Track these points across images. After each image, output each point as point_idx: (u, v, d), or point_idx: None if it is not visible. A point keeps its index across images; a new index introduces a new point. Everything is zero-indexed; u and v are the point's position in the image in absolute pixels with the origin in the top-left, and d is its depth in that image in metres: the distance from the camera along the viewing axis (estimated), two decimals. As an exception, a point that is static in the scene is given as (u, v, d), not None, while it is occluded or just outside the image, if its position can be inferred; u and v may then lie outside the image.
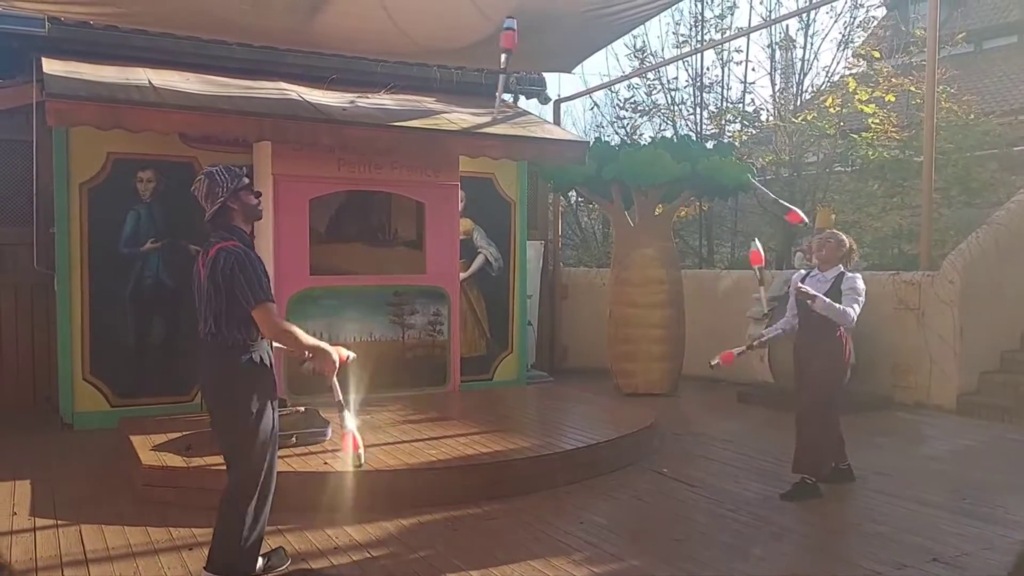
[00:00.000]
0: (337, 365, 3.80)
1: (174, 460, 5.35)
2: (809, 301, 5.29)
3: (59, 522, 4.76)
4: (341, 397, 3.93)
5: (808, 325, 5.49)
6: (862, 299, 5.36)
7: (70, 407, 7.13)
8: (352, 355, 3.97)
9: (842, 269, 5.46)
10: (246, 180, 3.86)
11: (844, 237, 5.56)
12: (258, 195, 3.94)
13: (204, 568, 3.83)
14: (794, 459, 5.45)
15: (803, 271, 5.81)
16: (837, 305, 5.27)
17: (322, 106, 7.17)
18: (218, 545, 3.80)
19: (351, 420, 3.94)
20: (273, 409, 3.86)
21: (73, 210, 7.07)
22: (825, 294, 5.35)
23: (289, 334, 3.75)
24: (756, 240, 6.20)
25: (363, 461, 4.01)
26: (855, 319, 5.32)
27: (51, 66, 6.70)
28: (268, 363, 3.85)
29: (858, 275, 5.46)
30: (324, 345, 3.83)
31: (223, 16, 6.86)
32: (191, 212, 7.27)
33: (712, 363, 5.71)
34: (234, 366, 3.73)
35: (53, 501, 5.13)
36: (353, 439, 3.89)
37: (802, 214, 5.98)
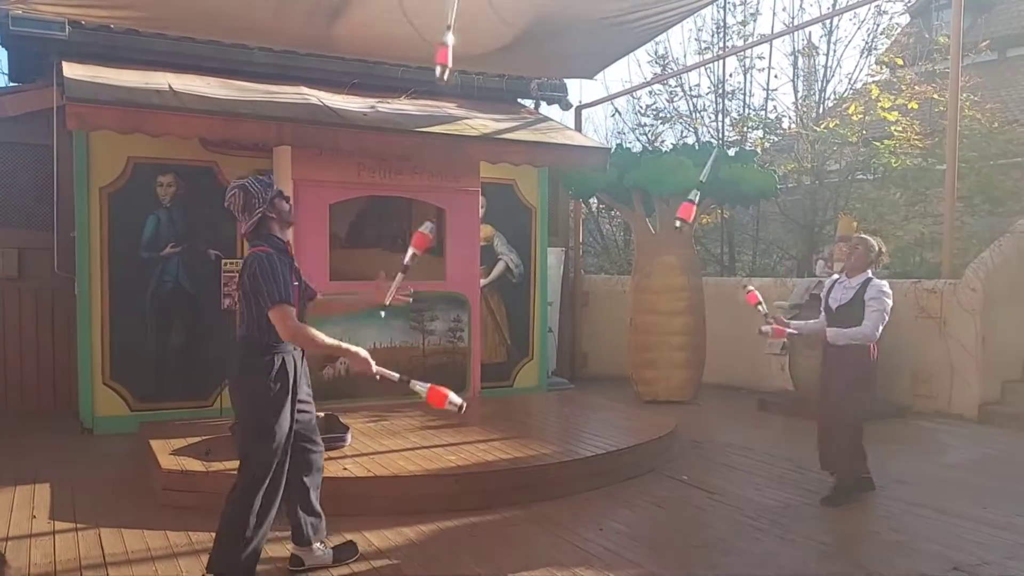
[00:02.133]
0: (370, 360, 3.87)
1: (193, 464, 5.36)
2: (831, 339, 5.29)
3: (78, 526, 4.77)
4: (395, 375, 3.93)
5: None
6: (888, 304, 5.29)
7: (90, 411, 7.16)
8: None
9: (869, 275, 5.40)
10: (277, 188, 3.97)
11: (872, 241, 5.50)
12: (288, 200, 4.04)
13: (206, 569, 3.90)
14: (820, 456, 5.48)
15: (835, 276, 5.74)
16: (854, 330, 5.23)
17: (343, 111, 7.19)
18: (218, 546, 3.86)
19: (419, 384, 3.91)
20: (291, 414, 3.91)
21: (93, 214, 7.11)
22: (849, 301, 5.33)
23: (305, 336, 3.80)
24: (749, 287, 5.99)
25: (461, 403, 3.94)
26: (877, 332, 5.27)
27: (72, 70, 6.76)
28: (291, 366, 3.91)
29: (884, 282, 5.40)
30: (346, 346, 3.88)
31: (243, 21, 6.90)
32: (211, 216, 7.40)
33: (764, 313, 5.55)
34: (254, 366, 3.83)
35: (73, 505, 5.15)
36: (438, 392, 3.88)
37: (759, 298, 5.64)
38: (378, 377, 3.92)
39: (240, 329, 3.95)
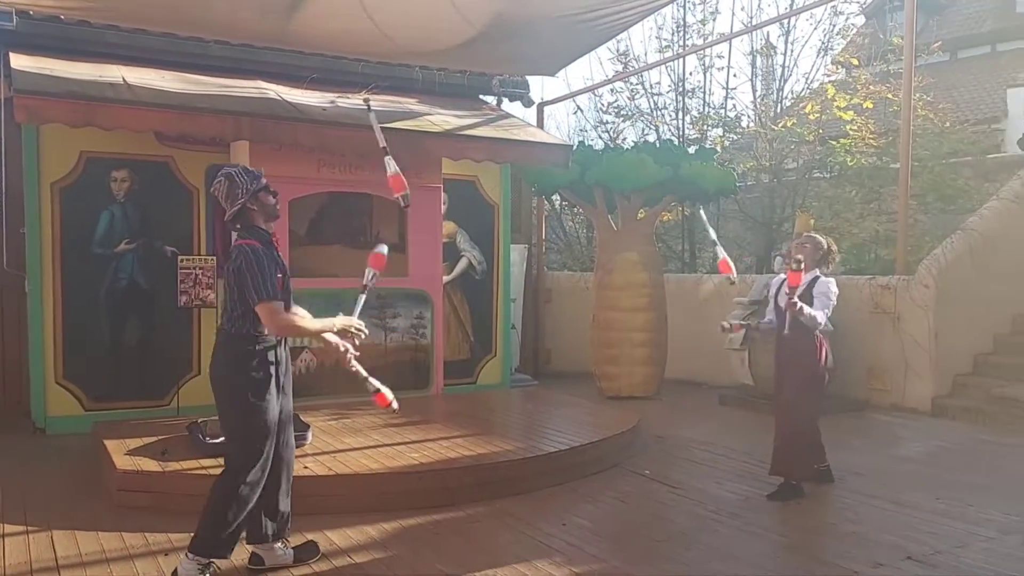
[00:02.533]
0: (349, 351, 4.07)
1: (149, 464, 5.26)
2: (797, 313, 5.27)
3: (29, 528, 4.65)
4: (363, 373, 4.12)
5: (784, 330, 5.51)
6: (832, 303, 5.39)
7: (42, 411, 7.01)
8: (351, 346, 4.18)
9: (817, 273, 5.47)
10: (263, 181, 3.98)
11: (821, 239, 5.57)
12: (275, 194, 4.04)
13: (187, 549, 3.89)
14: (771, 461, 5.49)
15: (781, 275, 5.80)
16: (805, 310, 5.23)
17: (302, 106, 7.11)
18: (202, 529, 3.86)
19: (376, 383, 4.11)
20: (276, 403, 3.94)
21: (44, 210, 6.95)
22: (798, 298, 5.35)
23: (293, 328, 3.97)
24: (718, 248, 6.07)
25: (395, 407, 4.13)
26: (822, 323, 5.33)
27: (19, 61, 6.57)
28: (276, 358, 3.95)
29: (831, 280, 5.48)
30: (330, 322, 4.02)
31: (199, 13, 6.77)
32: (167, 212, 7.29)
33: (724, 325, 5.72)
34: (239, 356, 3.87)
35: (24, 507, 5.02)
36: (383, 397, 4.10)
37: (732, 267, 5.78)
38: (351, 368, 4.09)
39: (224, 319, 3.98)
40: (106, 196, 7.17)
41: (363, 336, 4.13)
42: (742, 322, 5.67)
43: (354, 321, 4.10)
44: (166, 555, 4.22)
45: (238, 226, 3.96)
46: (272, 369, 3.93)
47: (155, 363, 7.22)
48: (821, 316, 5.30)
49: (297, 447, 5.61)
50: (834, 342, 7.05)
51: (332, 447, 5.79)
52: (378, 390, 4.07)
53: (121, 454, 5.46)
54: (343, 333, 4.13)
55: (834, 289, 5.42)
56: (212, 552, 3.88)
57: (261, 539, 4.09)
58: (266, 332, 3.87)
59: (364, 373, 4.09)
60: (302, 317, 4.00)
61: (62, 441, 6.66)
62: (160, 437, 5.89)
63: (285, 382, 4.06)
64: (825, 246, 5.52)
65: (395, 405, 4.11)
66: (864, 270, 10.17)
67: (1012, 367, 8.16)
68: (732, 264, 5.90)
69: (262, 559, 4.11)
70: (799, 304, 5.16)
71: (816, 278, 5.44)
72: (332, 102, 7.45)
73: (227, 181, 3.90)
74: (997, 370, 8.23)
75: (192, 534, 3.91)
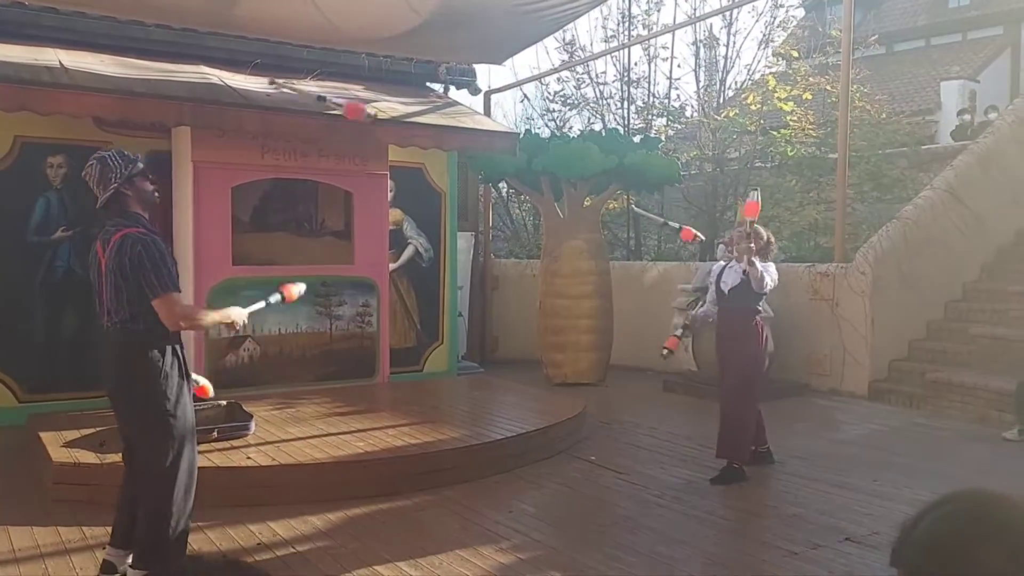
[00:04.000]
0: (241, 319, 3.86)
1: (87, 457, 5.16)
2: (749, 267, 5.33)
3: (-38, 524, 4.53)
4: (262, 302, 4.06)
5: (726, 315, 5.65)
6: (774, 278, 5.46)
7: (-26, 403, 6.82)
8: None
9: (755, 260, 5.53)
10: (140, 165, 3.73)
11: (762, 230, 5.62)
12: (154, 181, 3.82)
13: (130, 566, 3.72)
14: (717, 445, 5.58)
15: (722, 263, 5.90)
16: (759, 263, 5.31)
17: (245, 91, 6.99)
18: (143, 543, 3.66)
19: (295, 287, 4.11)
20: (189, 395, 3.76)
21: (-23, 196, 6.75)
22: (738, 284, 5.49)
23: (192, 319, 3.86)
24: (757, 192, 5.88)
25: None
26: (768, 281, 5.38)
27: (-51, 44, 6.36)
28: (181, 353, 3.72)
29: (770, 264, 5.57)
30: (222, 312, 3.88)
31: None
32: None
33: (663, 354, 5.72)
34: (145, 356, 3.58)
35: (-44, 502, 4.89)
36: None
37: (694, 231, 5.88)
38: (247, 317, 3.94)
39: (114, 318, 3.61)
40: (42, 183, 6.98)
41: (237, 331, 4.07)
42: (678, 333, 5.75)
43: (232, 312, 3.86)
44: (104, 548, 4.11)
45: (113, 213, 3.66)
46: (179, 365, 3.68)
47: (92, 353, 7.00)
48: (769, 278, 5.36)
49: (240, 437, 5.59)
50: (774, 328, 7.19)
51: (276, 437, 5.74)
52: (278, 294, 4.06)
53: (57, 446, 5.34)
54: (230, 326, 3.94)
55: (773, 271, 5.50)
56: (166, 565, 3.55)
57: (126, 544, 3.79)
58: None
59: (262, 304, 4.06)
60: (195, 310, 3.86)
61: (-4, 434, 6.49)
62: (98, 428, 5.74)
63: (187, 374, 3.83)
64: (764, 238, 5.58)
65: (301, 289, 4.11)
66: (804, 258, 10.38)
67: (945, 352, 8.42)
68: (693, 229, 5.96)
69: (114, 566, 3.81)
70: (753, 251, 5.25)
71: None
72: (277, 88, 7.33)
73: (99, 164, 3.63)
74: (931, 355, 8.48)
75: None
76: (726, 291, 5.62)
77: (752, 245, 5.25)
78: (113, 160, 3.65)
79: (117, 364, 3.67)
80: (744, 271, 5.39)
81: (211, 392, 4.08)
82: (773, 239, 5.80)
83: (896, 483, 5.42)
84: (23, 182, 6.88)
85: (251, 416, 5.89)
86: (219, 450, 5.35)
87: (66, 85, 6.08)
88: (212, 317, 3.91)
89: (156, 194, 3.84)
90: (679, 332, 5.76)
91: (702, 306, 6.12)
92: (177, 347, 3.71)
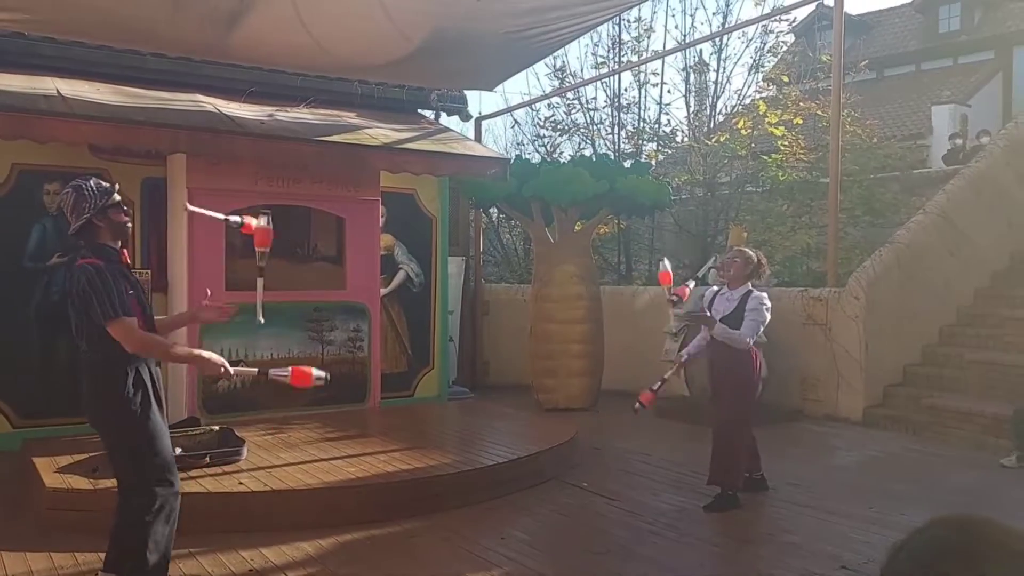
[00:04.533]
0: (222, 364, 3.72)
1: (80, 482, 5.15)
2: (708, 328, 5.42)
3: (-46, 550, 4.52)
4: (253, 370, 3.99)
5: (719, 342, 5.58)
6: (765, 318, 5.47)
7: (-32, 429, 6.80)
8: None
9: (749, 287, 5.55)
10: (116, 197, 3.75)
11: (751, 253, 5.64)
12: (127, 212, 3.84)
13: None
14: (709, 471, 5.57)
15: (715, 288, 5.89)
16: (733, 332, 5.37)
17: (240, 119, 7.06)
18: (112, 558, 3.65)
19: (279, 372, 3.88)
20: (163, 421, 3.74)
21: (-27, 223, 6.78)
22: (731, 313, 5.46)
23: (154, 345, 3.71)
24: (665, 261, 6.09)
25: (325, 374, 3.90)
26: (750, 343, 5.42)
27: (-51, 73, 6.43)
28: (148, 376, 3.70)
29: (764, 294, 5.56)
30: (196, 352, 3.84)
31: (136, 25, 6.68)
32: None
33: (635, 407, 5.57)
34: (106, 381, 3.62)
35: (-52, 528, 4.87)
36: (302, 372, 3.85)
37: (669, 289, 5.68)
38: (235, 377, 3.93)
39: (82, 345, 3.69)
40: (38, 209, 7.01)
41: (222, 372, 3.80)
42: (655, 388, 5.59)
43: (214, 356, 3.78)
44: (96, 575, 4.14)
45: (81, 243, 3.71)
46: (148, 388, 3.68)
47: (86, 379, 7.05)
48: (748, 338, 5.38)
49: (232, 463, 5.59)
50: (768, 353, 7.21)
51: (268, 462, 5.74)
52: (287, 376, 3.85)
53: (51, 472, 5.34)
54: (210, 364, 3.79)
55: (766, 303, 5.48)
56: None
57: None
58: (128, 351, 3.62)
59: (254, 371, 3.98)
60: (163, 339, 3.81)
61: (-12, 460, 6.47)
62: (91, 454, 5.74)
63: (161, 400, 3.80)
64: (755, 260, 5.59)
65: (321, 374, 3.90)
66: (796, 282, 10.44)
67: (940, 377, 8.41)
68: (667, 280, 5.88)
69: None
70: (719, 329, 5.34)
71: (748, 292, 5.51)
72: (271, 115, 7.41)
73: (75, 193, 3.65)
74: (926, 380, 8.47)
75: None
76: (718, 319, 5.55)
77: (716, 323, 5.33)
78: (89, 190, 3.66)
79: (86, 392, 3.74)
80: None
81: (311, 371, 3.86)
82: (765, 261, 5.75)
83: (892, 510, 5.40)
84: (20, 209, 6.91)
85: (243, 441, 5.89)
86: (211, 475, 5.35)
87: (63, 113, 6.14)
88: (180, 351, 3.91)
89: (129, 225, 3.85)
90: (656, 386, 5.55)
91: (687, 335, 6.12)
92: (142, 370, 3.68)
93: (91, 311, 3.55)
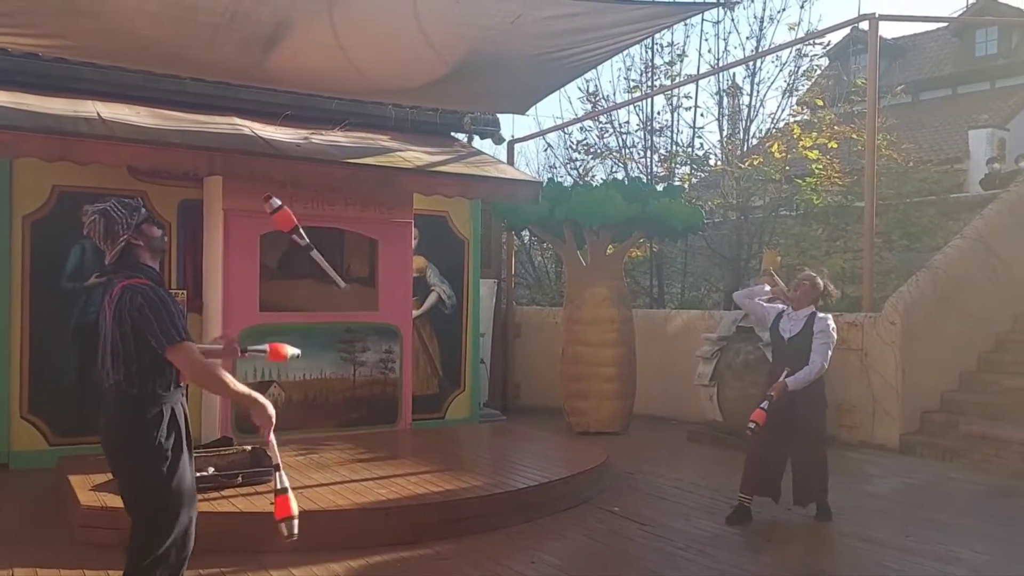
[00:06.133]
0: (273, 420, 3.41)
1: (114, 500, 5.15)
2: (774, 394, 5.47)
3: (-9, 566, 4.58)
4: (278, 459, 3.46)
5: (786, 362, 5.64)
6: (834, 340, 5.66)
7: (6, 446, 6.89)
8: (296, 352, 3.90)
9: (814, 309, 5.70)
10: (144, 211, 3.51)
11: (819, 280, 5.79)
12: (160, 225, 3.65)
13: None
14: (795, 493, 5.72)
15: (780, 307, 5.93)
16: (803, 372, 5.49)
17: (275, 142, 7.15)
18: None
19: (286, 480, 3.48)
20: (190, 465, 3.44)
21: (15, 243, 6.90)
22: (797, 333, 5.63)
23: (215, 379, 3.33)
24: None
25: (295, 532, 3.49)
26: (825, 365, 5.57)
27: (-3, 97, 6.59)
28: (182, 417, 3.43)
29: (829, 316, 5.71)
30: (257, 396, 3.41)
31: (176, 51, 6.82)
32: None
33: (750, 427, 5.42)
34: (138, 421, 3.30)
35: (-15, 544, 4.93)
36: (288, 502, 3.45)
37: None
38: (265, 441, 3.47)
39: (114, 375, 3.34)
40: (78, 230, 7.08)
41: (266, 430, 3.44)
42: (764, 406, 5.42)
43: (270, 408, 3.41)
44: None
45: (123, 267, 3.41)
46: (181, 431, 3.39)
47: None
48: (821, 363, 5.53)
49: (264, 483, 5.60)
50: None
51: (299, 483, 5.74)
52: (284, 490, 3.42)
53: (85, 490, 5.39)
54: (264, 413, 3.42)
55: (832, 326, 5.65)
56: None
57: None
58: (168, 388, 3.35)
59: (279, 460, 3.46)
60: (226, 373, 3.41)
61: (25, 476, 6.55)
62: (126, 473, 5.81)
63: (190, 441, 3.51)
64: (822, 286, 5.76)
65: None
66: (830, 307, 10.28)
67: (978, 404, 8.27)
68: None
69: None
70: (793, 381, 5.48)
71: (814, 314, 5.67)
72: (306, 138, 7.51)
73: (102, 218, 3.39)
74: (964, 407, 8.33)
75: None
76: (786, 338, 5.70)
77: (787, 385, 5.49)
78: (116, 211, 3.42)
79: (109, 428, 3.40)
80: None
81: (292, 510, 3.45)
82: (831, 287, 5.89)
83: (928, 539, 5.31)
84: (60, 230, 7.03)
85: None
86: (243, 495, 5.37)
87: (103, 136, 6.26)
88: (241, 389, 3.40)
89: (164, 239, 3.65)
90: (765, 404, 5.44)
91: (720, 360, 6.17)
92: (177, 410, 3.40)
93: (149, 335, 3.22)
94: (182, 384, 3.45)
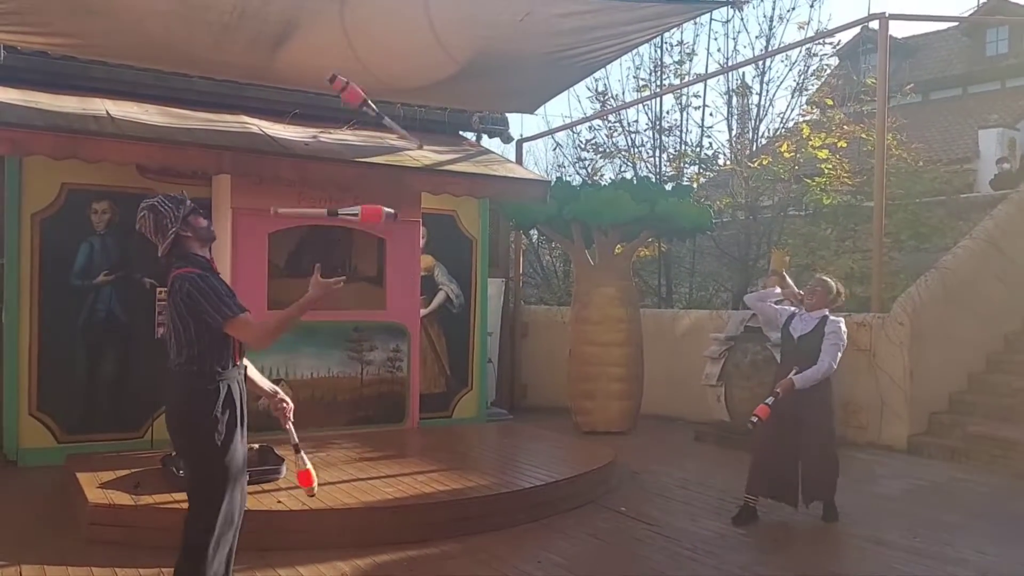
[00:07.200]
0: (290, 412, 3.78)
1: (122, 498, 5.21)
2: (780, 391, 5.49)
3: (-1, 562, 4.59)
4: (296, 440, 3.97)
5: (795, 360, 5.68)
6: (844, 342, 5.71)
7: (14, 443, 6.92)
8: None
9: (826, 312, 5.76)
10: (190, 203, 3.70)
11: (833, 284, 5.85)
12: (203, 214, 3.80)
13: None
14: (803, 492, 5.71)
15: (791, 308, 5.94)
16: (811, 371, 5.52)
17: (284, 140, 7.16)
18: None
19: (308, 462, 3.99)
20: (242, 443, 3.69)
21: (24, 241, 6.93)
22: (809, 333, 5.67)
23: (277, 329, 3.66)
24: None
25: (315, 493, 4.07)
26: (834, 365, 5.61)
27: (5, 95, 6.62)
28: (238, 395, 3.68)
29: (840, 319, 5.76)
30: (310, 293, 3.66)
31: (185, 50, 6.84)
32: (146, 244, 7.23)
33: (753, 421, 5.49)
34: (201, 396, 3.56)
35: (-6, 540, 4.95)
36: (310, 476, 3.95)
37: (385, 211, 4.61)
38: (284, 427, 3.93)
39: (176, 358, 3.62)
40: (86, 228, 7.16)
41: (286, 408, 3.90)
42: (769, 402, 5.49)
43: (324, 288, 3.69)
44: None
45: (175, 258, 3.66)
46: (236, 408, 3.65)
47: (130, 395, 7.16)
48: (829, 362, 5.58)
49: (270, 481, 5.62)
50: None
51: (307, 482, 5.75)
52: (306, 467, 3.93)
53: (93, 487, 5.41)
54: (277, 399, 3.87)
55: (843, 328, 5.70)
56: None
57: None
58: (226, 366, 3.62)
59: (296, 439, 3.96)
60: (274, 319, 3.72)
61: (34, 473, 6.58)
62: (134, 470, 5.84)
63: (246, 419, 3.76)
64: (835, 290, 5.83)
65: (315, 487, 4.01)
66: (839, 307, 10.26)
67: (987, 405, 8.24)
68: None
69: None
70: (800, 380, 5.52)
71: (826, 317, 5.72)
72: (314, 137, 7.52)
73: (151, 213, 3.63)
74: (973, 408, 8.31)
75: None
76: (795, 337, 5.76)
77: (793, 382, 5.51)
78: (164, 205, 3.64)
79: (173, 406, 3.67)
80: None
81: (314, 481, 3.98)
82: (843, 290, 5.97)
83: (937, 540, 5.30)
84: (69, 227, 7.07)
85: (282, 460, 5.92)
86: (250, 493, 5.28)
87: (112, 134, 6.28)
88: (296, 309, 3.65)
89: (212, 228, 3.83)
90: (770, 400, 5.49)
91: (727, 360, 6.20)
92: (233, 388, 3.64)
93: (204, 315, 3.49)
94: (238, 364, 3.71)
